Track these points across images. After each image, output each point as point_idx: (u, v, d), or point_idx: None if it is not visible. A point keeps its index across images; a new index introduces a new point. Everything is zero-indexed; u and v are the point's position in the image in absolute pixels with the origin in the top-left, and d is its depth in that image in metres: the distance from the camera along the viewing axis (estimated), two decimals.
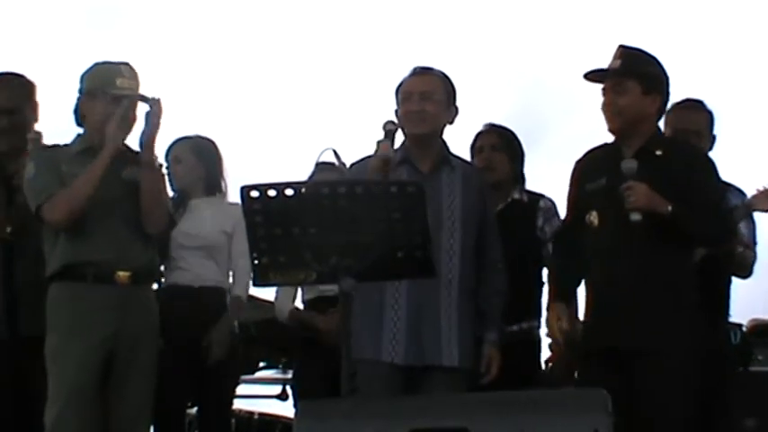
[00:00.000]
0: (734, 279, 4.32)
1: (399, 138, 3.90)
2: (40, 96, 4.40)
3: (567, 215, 4.17)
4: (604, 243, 3.85)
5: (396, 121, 3.87)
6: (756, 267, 4.30)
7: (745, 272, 4.32)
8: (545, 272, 4.55)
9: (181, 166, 4.72)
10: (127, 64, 4.04)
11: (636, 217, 3.72)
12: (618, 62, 3.91)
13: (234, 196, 4.75)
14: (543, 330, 4.56)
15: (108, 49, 4.08)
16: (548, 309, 4.06)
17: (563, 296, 4.02)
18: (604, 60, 3.97)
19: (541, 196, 4.63)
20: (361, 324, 3.71)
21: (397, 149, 3.92)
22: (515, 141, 4.69)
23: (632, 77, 3.88)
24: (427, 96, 3.95)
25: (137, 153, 4.04)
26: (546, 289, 4.53)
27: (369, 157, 3.88)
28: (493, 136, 4.66)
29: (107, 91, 3.96)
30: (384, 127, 3.79)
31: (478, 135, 4.72)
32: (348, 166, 4.13)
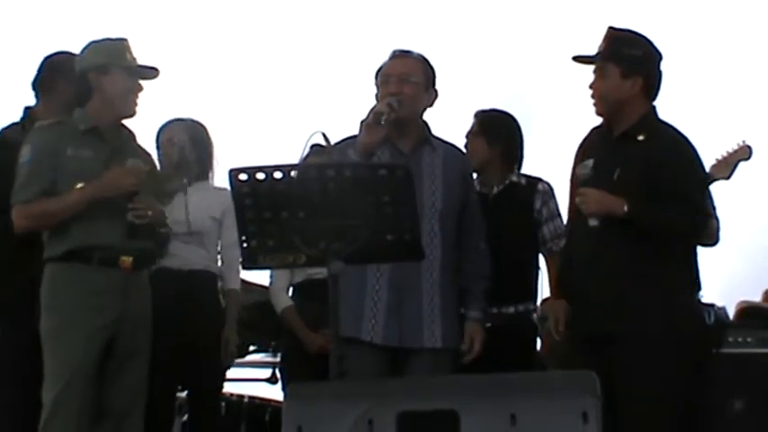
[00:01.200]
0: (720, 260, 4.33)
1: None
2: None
3: (570, 203, 4.17)
4: (584, 228, 3.87)
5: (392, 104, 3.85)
6: (745, 249, 4.30)
7: (712, 240, 4.33)
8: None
9: (175, 148, 4.70)
10: (126, 39, 4.06)
11: (593, 222, 3.77)
12: (603, 45, 3.91)
13: (221, 180, 4.77)
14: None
15: (94, 32, 4.06)
16: (546, 303, 4.06)
17: (566, 295, 4.02)
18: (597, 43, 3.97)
19: (539, 180, 4.63)
20: (344, 304, 3.72)
21: None
22: (499, 122, 4.68)
23: (612, 61, 3.88)
24: (405, 78, 3.96)
25: (141, 147, 4.12)
26: (544, 273, 4.58)
27: (353, 137, 3.88)
28: (474, 122, 4.69)
29: (122, 64, 3.98)
30: (373, 110, 3.78)
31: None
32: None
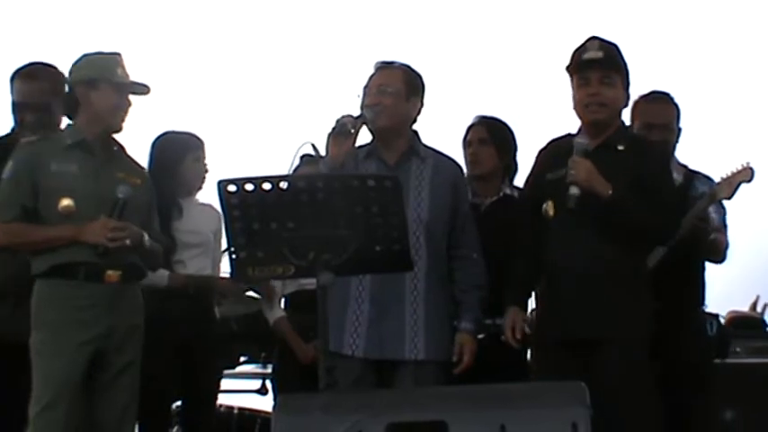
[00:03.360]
0: (712, 269, 4.34)
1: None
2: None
3: (523, 203, 4.17)
4: (558, 233, 3.86)
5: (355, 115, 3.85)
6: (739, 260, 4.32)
7: (719, 257, 4.34)
8: None
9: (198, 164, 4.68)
10: (120, 54, 4.04)
11: (574, 191, 3.76)
12: (600, 53, 3.91)
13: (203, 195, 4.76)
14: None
15: (89, 42, 4.04)
16: (505, 313, 4.03)
17: (519, 301, 4.01)
18: (568, 51, 3.97)
19: None
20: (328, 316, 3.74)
21: (364, 145, 3.96)
22: (505, 133, 4.67)
23: (617, 70, 3.90)
24: (383, 89, 3.96)
25: (133, 160, 4.11)
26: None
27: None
28: (481, 129, 4.63)
29: (111, 79, 3.96)
30: (339, 121, 3.79)
31: (469, 128, 4.70)
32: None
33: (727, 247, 4.34)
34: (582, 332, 3.74)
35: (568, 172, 3.77)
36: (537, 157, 4.09)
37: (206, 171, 4.71)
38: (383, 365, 3.86)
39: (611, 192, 3.72)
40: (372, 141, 4.03)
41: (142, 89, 4.04)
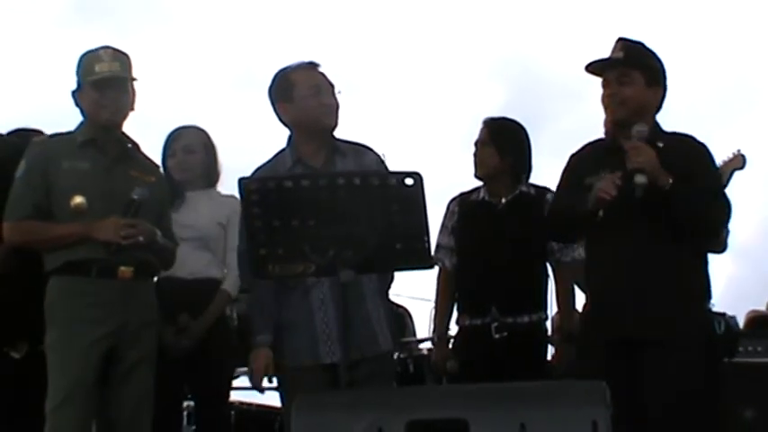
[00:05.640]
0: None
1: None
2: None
3: (559, 206, 4.14)
4: (607, 232, 3.82)
5: None
6: (749, 256, 4.31)
7: (720, 247, 4.32)
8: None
9: (193, 156, 4.71)
10: (107, 47, 4.02)
11: (641, 179, 3.65)
12: (620, 53, 3.90)
13: (225, 187, 4.77)
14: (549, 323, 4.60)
15: (97, 40, 4.03)
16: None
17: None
18: (597, 53, 3.96)
19: (548, 190, 4.62)
20: (292, 331, 3.78)
21: (284, 149, 3.95)
22: (509, 133, 4.67)
23: (637, 68, 3.88)
24: (332, 90, 3.92)
25: (146, 157, 4.12)
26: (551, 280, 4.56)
27: (268, 162, 3.92)
28: (483, 131, 4.67)
29: (88, 79, 3.97)
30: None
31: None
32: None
33: (727, 236, 4.33)
34: (636, 332, 3.70)
35: (629, 159, 3.69)
36: (570, 161, 4.06)
37: (216, 162, 4.75)
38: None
39: (671, 181, 3.67)
40: (291, 146, 3.96)
41: (124, 77, 3.98)
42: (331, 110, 3.90)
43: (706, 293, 3.92)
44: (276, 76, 3.97)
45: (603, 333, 3.79)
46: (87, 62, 4.00)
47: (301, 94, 3.90)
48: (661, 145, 3.82)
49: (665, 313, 3.70)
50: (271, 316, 3.84)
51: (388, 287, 4.10)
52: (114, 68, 3.96)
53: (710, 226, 3.87)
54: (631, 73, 3.88)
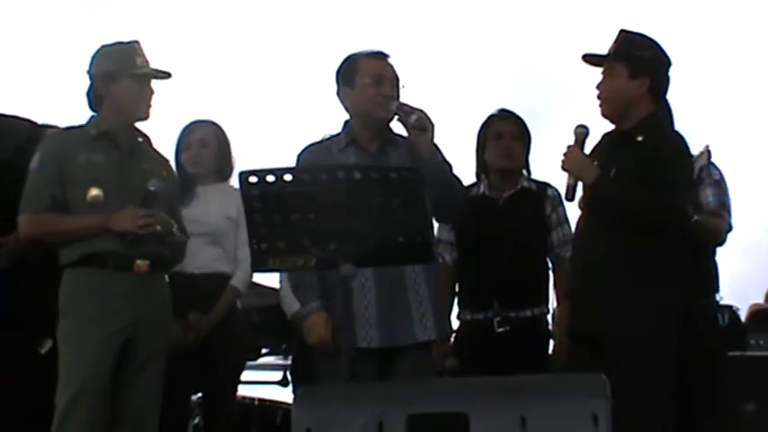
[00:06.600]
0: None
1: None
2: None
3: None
4: (578, 229, 3.90)
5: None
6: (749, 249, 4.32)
7: (716, 240, 4.32)
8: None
9: (207, 150, 4.71)
10: (138, 42, 4.04)
11: (570, 181, 3.82)
12: (613, 46, 3.91)
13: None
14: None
15: (100, 31, 4.03)
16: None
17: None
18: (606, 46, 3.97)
19: (548, 185, 4.62)
20: (334, 314, 3.73)
21: (339, 133, 3.94)
22: (528, 130, 4.68)
23: (620, 61, 3.87)
24: (396, 83, 3.91)
25: (157, 152, 4.12)
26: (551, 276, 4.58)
27: (319, 142, 3.92)
28: (513, 124, 4.63)
29: (130, 71, 3.97)
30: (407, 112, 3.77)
31: (492, 119, 4.68)
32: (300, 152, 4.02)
33: (727, 230, 4.33)
34: (590, 327, 3.75)
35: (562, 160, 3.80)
36: (591, 153, 4.03)
37: (230, 156, 4.75)
38: (384, 352, 3.80)
39: (592, 180, 3.73)
40: (348, 129, 3.96)
41: (163, 75, 4.04)
42: (388, 102, 3.87)
43: (674, 281, 3.81)
44: (345, 59, 3.97)
45: (571, 329, 3.91)
46: (124, 53, 4.00)
47: (363, 82, 3.89)
48: (640, 139, 3.83)
49: (610, 306, 3.71)
50: (315, 291, 3.83)
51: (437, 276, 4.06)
52: (147, 65, 4.01)
53: (644, 221, 3.74)
54: (614, 66, 3.88)
